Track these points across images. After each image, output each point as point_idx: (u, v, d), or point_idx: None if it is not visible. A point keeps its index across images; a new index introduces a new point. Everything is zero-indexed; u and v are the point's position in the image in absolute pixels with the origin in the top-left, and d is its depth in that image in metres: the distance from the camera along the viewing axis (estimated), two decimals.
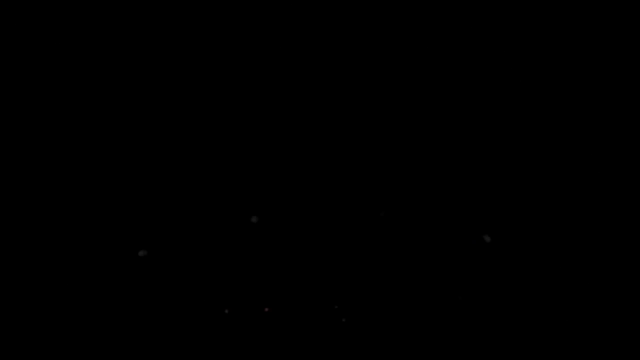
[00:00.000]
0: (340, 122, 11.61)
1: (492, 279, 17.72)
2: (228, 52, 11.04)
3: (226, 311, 19.23)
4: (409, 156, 11.77)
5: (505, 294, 14.91)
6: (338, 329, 16.86)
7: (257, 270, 18.58)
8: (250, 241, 18.60)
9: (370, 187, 13.52)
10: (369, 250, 14.56)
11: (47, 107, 11.80)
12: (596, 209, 13.58)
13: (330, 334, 16.08)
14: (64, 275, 16.58)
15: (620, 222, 13.59)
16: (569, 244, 14.92)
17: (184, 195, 16.05)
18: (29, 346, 15.07)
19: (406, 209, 14.24)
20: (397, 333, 14.26)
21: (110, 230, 16.73)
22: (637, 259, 13.69)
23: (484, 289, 16.36)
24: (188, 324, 17.13)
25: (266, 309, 18.97)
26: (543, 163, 14.79)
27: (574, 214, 15.01)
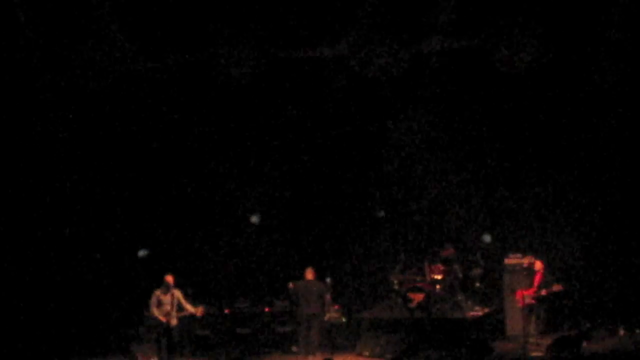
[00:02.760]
0: None
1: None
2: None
3: (226, 311, 19.22)
4: None
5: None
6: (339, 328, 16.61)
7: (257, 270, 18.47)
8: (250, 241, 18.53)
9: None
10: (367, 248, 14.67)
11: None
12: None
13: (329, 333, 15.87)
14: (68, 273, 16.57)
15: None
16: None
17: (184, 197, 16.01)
18: (32, 341, 15.21)
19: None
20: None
21: (112, 232, 16.85)
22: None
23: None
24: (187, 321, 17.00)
25: (267, 309, 18.98)
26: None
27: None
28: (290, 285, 19.69)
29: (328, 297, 19.67)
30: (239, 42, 20.36)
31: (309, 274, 19.90)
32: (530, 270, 19.57)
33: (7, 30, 20.56)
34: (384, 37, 20.07)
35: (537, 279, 19.31)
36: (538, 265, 19.46)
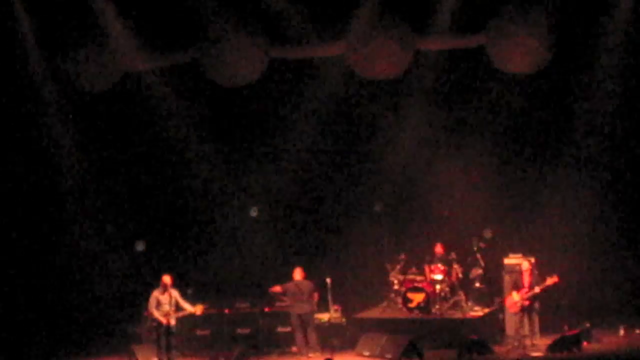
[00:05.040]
0: None
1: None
2: None
3: (226, 311, 19.27)
4: None
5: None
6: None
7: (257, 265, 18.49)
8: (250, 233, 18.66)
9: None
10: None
11: None
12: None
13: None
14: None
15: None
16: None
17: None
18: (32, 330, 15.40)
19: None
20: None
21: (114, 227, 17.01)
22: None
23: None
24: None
25: (266, 309, 19.04)
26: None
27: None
28: (278, 288, 19.68)
29: (316, 295, 19.72)
30: (239, 42, 20.35)
31: (298, 274, 19.89)
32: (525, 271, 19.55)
33: (7, 31, 20.57)
34: (384, 37, 20.06)
35: (526, 279, 19.24)
36: (525, 265, 19.38)
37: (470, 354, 18.44)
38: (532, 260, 19.85)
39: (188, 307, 19.05)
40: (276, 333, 20.59)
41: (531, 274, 19.26)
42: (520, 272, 19.41)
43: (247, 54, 20.48)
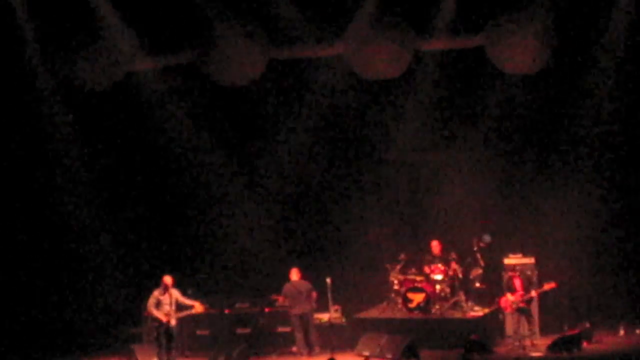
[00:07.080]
0: None
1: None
2: None
3: (226, 311, 19.32)
4: None
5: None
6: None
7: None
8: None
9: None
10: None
11: None
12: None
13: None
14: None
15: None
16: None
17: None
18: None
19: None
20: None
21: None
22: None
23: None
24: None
25: (266, 309, 19.11)
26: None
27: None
28: (282, 299, 19.73)
29: (314, 294, 19.75)
30: (239, 42, 20.35)
31: (294, 275, 19.93)
32: (523, 272, 19.60)
33: (7, 30, 20.58)
34: (384, 37, 20.07)
35: (517, 283, 19.26)
36: (517, 270, 19.46)
37: (471, 354, 18.45)
38: (529, 261, 19.88)
39: (189, 302, 19.03)
40: (276, 333, 20.60)
41: (521, 278, 19.33)
42: (511, 276, 19.48)
43: (247, 54, 20.48)
